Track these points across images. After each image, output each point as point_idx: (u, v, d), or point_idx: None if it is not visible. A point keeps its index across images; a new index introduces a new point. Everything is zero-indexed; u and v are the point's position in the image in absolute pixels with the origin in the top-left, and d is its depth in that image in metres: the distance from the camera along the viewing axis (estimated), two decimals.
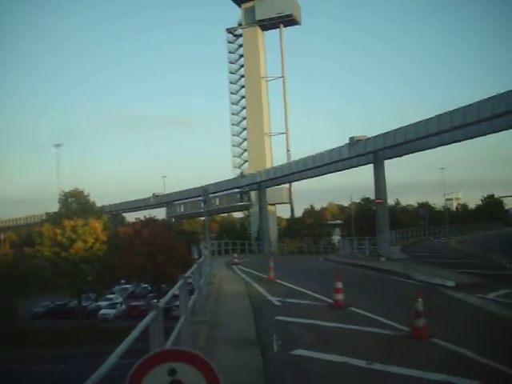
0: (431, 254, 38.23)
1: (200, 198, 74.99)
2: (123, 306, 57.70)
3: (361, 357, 9.55)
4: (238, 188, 76.72)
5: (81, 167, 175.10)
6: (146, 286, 64.42)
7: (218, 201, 78.95)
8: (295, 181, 75.26)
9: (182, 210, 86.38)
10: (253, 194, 79.26)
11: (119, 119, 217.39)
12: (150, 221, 62.72)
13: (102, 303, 57.27)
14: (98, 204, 61.36)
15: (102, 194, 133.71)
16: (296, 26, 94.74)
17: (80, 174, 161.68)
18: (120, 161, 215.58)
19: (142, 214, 70.32)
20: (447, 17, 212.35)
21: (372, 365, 9.11)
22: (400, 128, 47.92)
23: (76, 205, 57.38)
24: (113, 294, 62.27)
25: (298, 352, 10.16)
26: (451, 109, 41.50)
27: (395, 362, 9.25)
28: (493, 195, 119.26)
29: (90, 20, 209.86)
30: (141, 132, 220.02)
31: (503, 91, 36.94)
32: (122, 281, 64.17)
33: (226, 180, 79.12)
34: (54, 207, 59.51)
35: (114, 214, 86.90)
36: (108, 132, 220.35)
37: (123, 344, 4.16)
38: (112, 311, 55.17)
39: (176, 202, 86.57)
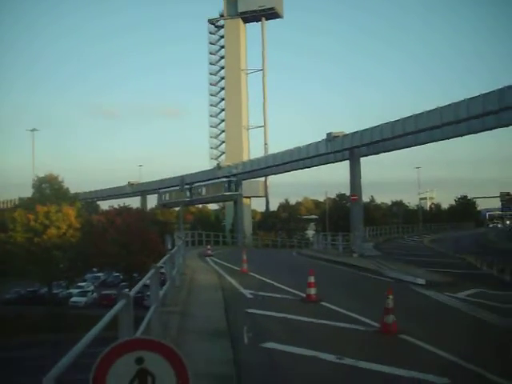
0: (403, 252, 38.55)
1: (186, 187, 73.64)
2: (94, 294, 57.31)
3: (331, 351, 9.60)
4: (223, 178, 74.70)
5: (56, 153, 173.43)
6: (117, 274, 64.07)
7: (204, 190, 77.02)
8: (272, 174, 75.44)
9: (168, 198, 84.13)
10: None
11: (96, 107, 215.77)
12: (124, 209, 62.37)
13: (73, 291, 56.78)
14: (73, 191, 60.84)
15: (77, 181, 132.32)
16: (278, 20, 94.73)
17: (55, 160, 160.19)
18: (96, 148, 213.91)
19: (116, 203, 70.08)
20: (431, 5, 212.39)
21: (342, 359, 9.15)
22: (377, 126, 48.29)
23: (50, 191, 56.79)
24: (84, 281, 61.82)
25: (269, 345, 10.17)
26: (440, 104, 41.82)
27: (364, 357, 9.30)
28: (466, 196, 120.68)
29: (69, 8, 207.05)
30: (117, 120, 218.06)
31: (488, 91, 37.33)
32: (94, 269, 63.73)
33: (203, 171, 79.05)
34: (28, 192, 58.95)
35: (89, 201, 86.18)
36: (84, 120, 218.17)
37: (91, 332, 4.11)
38: (83, 299, 54.77)
39: (161, 190, 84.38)
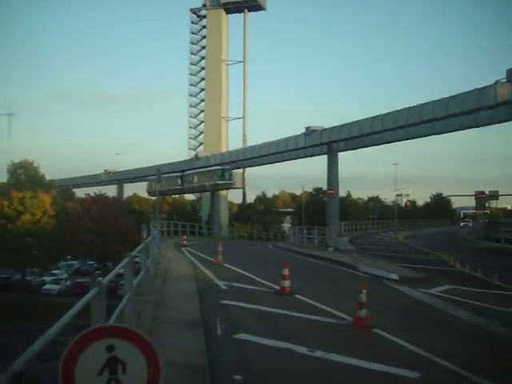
0: (378, 247, 38.84)
1: (177, 174, 73.38)
2: (68, 282, 56.92)
3: (303, 344, 9.65)
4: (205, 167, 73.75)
5: (32, 139, 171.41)
6: (92, 263, 63.67)
7: (196, 178, 74.14)
8: (249, 166, 75.49)
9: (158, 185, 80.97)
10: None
11: (74, 94, 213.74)
12: (100, 197, 61.99)
13: (47, 278, 56.34)
14: (48, 177, 60.28)
15: (53, 168, 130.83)
16: (261, 12, 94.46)
17: (31, 146, 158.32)
18: (73, 136, 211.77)
19: (92, 191, 69.49)
20: None
21: (314, 352, 9.20)
22: (356, 121, 48.45)
23: (25, 176, 56.22)
24: (58, 269, 61.34)
25: (242, 336, 10.19)
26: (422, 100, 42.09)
27: (336, 350, 9.36)
28: (441, 194, 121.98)
29: None
30: (95, 108, 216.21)
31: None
32: (69, 257, 63.26)
33: (181, 161, 78.77)
34: (3, 178, 58.27)
35: (64, 188, 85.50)
36: (62, 106, 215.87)
37: (62, 319, 4.07)
38: (56, 287, 54.35)
39: (151, 178, 79.70)
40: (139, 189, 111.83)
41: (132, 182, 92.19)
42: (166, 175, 72.87)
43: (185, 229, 51.89)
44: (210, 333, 10.18)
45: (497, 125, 42.63)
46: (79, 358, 3.54)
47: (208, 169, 71.09)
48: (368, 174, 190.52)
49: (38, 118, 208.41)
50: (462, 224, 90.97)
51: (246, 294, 15.61)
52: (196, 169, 70.88)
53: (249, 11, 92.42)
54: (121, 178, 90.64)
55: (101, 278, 8.53)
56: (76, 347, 3.55)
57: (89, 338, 3.57)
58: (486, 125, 42.64)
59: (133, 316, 9.47)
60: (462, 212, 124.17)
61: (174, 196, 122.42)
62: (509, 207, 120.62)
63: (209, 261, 25.80)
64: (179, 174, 74.00)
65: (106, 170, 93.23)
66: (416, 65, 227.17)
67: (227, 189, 72.24)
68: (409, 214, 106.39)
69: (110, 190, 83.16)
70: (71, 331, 4.13)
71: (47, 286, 54.26)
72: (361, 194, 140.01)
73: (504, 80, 34.86)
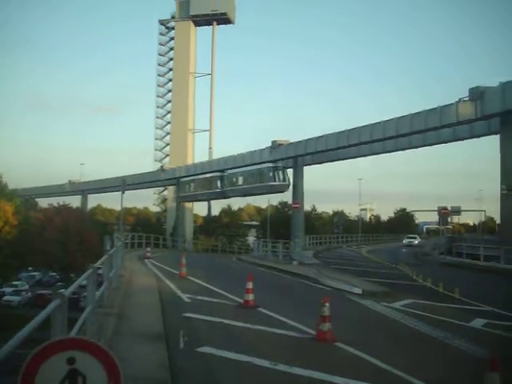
0: (342, 261, 39.06)
1: (215, 174, 63.67)
2: (29, 293, 55.95)
3: (266, 357, 9.64)
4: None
5: None
6: (54, 274, 62.75)
7: (241, 179, 61.79)
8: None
9: (192, 189, 70.04)
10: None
11: (38, 103, 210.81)
12: (64, 208, 61.29)
13: (7, 289, 55.25)
14: (11, 187, 59.43)
15: (15, 177, 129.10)
16: (229, 25, 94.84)
17: None
18: (37, 144, 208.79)
19: (56, 201, 68.64)
20: None
21: (276, 365, 9.21)
22: (322, 136, 48.89)
23: None
24: (19, 280, 60.26)
25: (204, 349, 10.15)
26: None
27: (299, 363, 9.38)
28: (405, 209, 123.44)
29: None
30: (59, 117, 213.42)
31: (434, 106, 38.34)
32: (30, 268, 62.24)
33: (145, 173, 78.35)
34: None
35: (27, 198, 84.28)
36: (25, 114, 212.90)
37: (21, 332, 4.01)
38: (17, 298, 53.30)
39: (184, 179, 70.22)
40: (103, 199, 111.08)
41: (96, 192, 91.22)
42: (201, 176, 66.09)
43: (149, 241, 51.53)
44: (172, 346, 10.12)
45: (459, 142, 43.46)
46: (39, 371, 3.50)
47: (256, 167, 58.60)
48: (333, 188, 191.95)
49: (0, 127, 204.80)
50: (405, 241, 77.92)
51: (209, 307, 15.55)
52: (239, 167, 59.90)
53: (217, 24, 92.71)
54: (85, 189, 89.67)
55: (63, 290, 8.44)
56: (36, 359, 3.51)
57: (49, 350, 3.54)
58: (449, 142, 43.45)
59: (94, 328, 9.39)
60: (424, 227, 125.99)
61: (138, 208, 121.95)
62: (471, 223, 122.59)
63: (172, 273, 25.66)
64: (218, 174, 64.04)
65: (70, 181, 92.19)
66: (392, 74, 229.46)
67: (281, 192, 59.23)
68: (373, 228, 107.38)
69: (74, 201, 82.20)
70: (31, 344, 4.09)
71: (7, 298, 53.16)
72: (326, 207, 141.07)
73: (466, 98, 35.59)
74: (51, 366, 3.51)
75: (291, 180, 54.00)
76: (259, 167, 57.25)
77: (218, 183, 64.14)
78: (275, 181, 55.77)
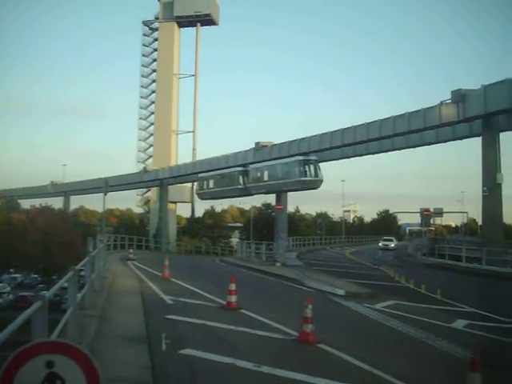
0: (325, 263, 39.12)
1: (237, 169, 57.95)
2: (11, 295, 55.40)
3: (249, 359, 9.64)
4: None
5: None
6: (36, 276, 62.23)
7: (266, 175, 54.38)
8: (199, 180, 75.21)
9: (211, 185, 62.37)
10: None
11: (19, 104, 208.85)
12: (46, 209, 60.85)
13: None
14: None
15: None
16: (213, 26, 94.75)
17: None
18: (19, 146, 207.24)
19: (38, 202, 68.12)
20: None
21: (259, 367, 9.20)
22: (304, 138, 49.00)
23: None
24: (0, 282, 59.67)
25: (187, 351, 10.12)
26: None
27: (282, 365, 9.39)
28: (388, 210, 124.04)
29: None
30: (40, 118, 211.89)
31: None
32: (12, 269, 61.67)
33: (129, 174, 78.02)
34: None
35: (9, 199, 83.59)
36: (7, 116, 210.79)
37: (2, 334, 3.98)
38: None
39: (201, 175, 63.76)
40: (86, 201, 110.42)
41: (79, 194, 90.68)
42: (220, 171, 60.01)
43: (132, 242, 51.33)
44: (154, 348, 10.09)
45: (442, 144, 43.73)
46: (17, 374, 3.47)
47: (283, 161, 51.70)
48: (316, 189, 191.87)
49: None
50: (380, 244, 71.79)
51: (192, 309, 15.52)
52: (264, 161, 53.96)
53: (201, 25, 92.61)
54: (67, 190, 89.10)
55: (45, 292, 8.38)
56: (14, 362, 3.48)
57: (28, 354, 3.51)
58: (432, 144, 43.74)
59: (76, 331, 9.33)
60: (407, 228, 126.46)
61: (121, 209, 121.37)
62: (453, 224, 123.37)
63: (155, 275, 25.58)
64: (240, 169, 57.71)
65: (52, 182, 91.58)
66: (379, 78, 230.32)
67: (313, 188, 51.72)
68: (356, 229, 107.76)
69: (57, 202, 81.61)
70: (11, 346, 4.05)
71: None
72: (309, 209, 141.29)
73: (449, 101, 35.84)
74: (30, 369, 3.47)
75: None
76: (287, 161, 50.72)
77: (240, 179, 57.72)
78: (306, 176, 49.06)
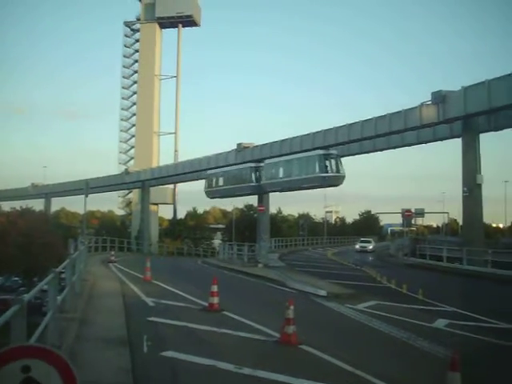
0: (308, 264, 39.20)
1: (249, 165, 53.28)
2: None
3: (230, 361, 9.63)
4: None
5: None
6: (17, 279, 61.64)
7: (281, 171, 49.53)
8: (180, 182, 75.09)
9: (221, 183, 57.64)
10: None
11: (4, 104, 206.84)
12: (27, 211, 60.28)
13: None
14: None
15: None
16: (195, 28, 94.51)
17: None
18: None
19: (19, 204, 67.42)
20: None
21: (240, 369, 9.19)
22: (286, 139, 49.07)
23: None
24: None
25: (169, 354, 10.08)
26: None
27: (264, 366, 9.37)
28: (370, 211, 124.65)
29: None
30: (22, 119, 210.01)
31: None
32: None
33: (110, 175, 77.58)
34: None
35: None
36: None
37: None
38: None
39: (210, 172, 58.79)
40: (67, 203, 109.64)
41: (60, 195, 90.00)
42: (231, 168, 55.65)
43: (113, 244, 51.07)
44: (136, 351, 10.03)
45: (423, 145, 44.00)
46: None
47: (302, 155, 47.58)
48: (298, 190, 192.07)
49: None
50: (357, 247, 67.88)
51: (173, 311, 15.48)
52: (281, 156, 49.74)
53: (183, 26, 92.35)
54: (48, 192, 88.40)
55: (25, 295, 8.30)
56: None
57: (3, 358, 3.45)
58: (413, 144, 44.01)
59: (56, 334, 9.25)
60: (389, 229, 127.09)
61: (103, 211, 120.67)
62: (434, 224, 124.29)
63: (137, 277, 25.48)
64: (253, 165, 52.91)
65: (33, 183, 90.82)
66: (371, 77, 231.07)
67: (335, 185, 47.47)
68: (338, 230, 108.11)
69: (38, 204, 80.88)
70: None
71: None
72: (291, 210, 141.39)
73: (429, 102, 36.09)
74: (5, 374, 3.41)
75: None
76: (306, 155, 46.56)
77: (253, 176, 53.14)
78: (327, 172, 44.73)
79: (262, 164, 51.46)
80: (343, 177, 44.83)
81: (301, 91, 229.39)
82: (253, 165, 52.15)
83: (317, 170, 44.50)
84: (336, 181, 45.39)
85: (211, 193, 58.62)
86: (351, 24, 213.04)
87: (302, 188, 49.87)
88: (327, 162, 44.41)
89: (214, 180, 57.58)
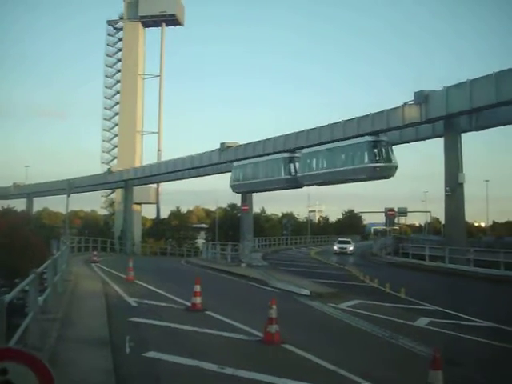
0: (291, 263, 39.27)
1: (281, 156, 47.94)
2: None
3: (213, 361, 9.60)
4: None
5: None
6: None
7: (322, 162, 44.47)
8: (163, 181, 74.94)
9: (250, 176, 52.17)
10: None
11: None
12: (8, 211, 59.79)
13: None
14: None
15: None
16: (178, 27, 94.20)
17: None
18: None
19: (0, 204, 66.85)
20: None
21: (223, 369, 9.17)
22: (269, 138, 49.19)
23: None
24: None
25: (151, 354, 10.04)
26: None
27: (246, 366, 9.37)
28: (353, 210, 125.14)
29: None
30: (2, 119, 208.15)
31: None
32: None
33: (93, 175, 77.15)
34: None
35: None
36: None
37: None
38: None
39: (238, 163, 53.40)
40: (50, 203, 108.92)
41: (42, 195, 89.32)
42: (261, 159, 50.14)
43: (96, 244, 50.81)
44: (118, 351, 9.98)
45: (406, 144, 44.24)
46: None
47: (346, 142, 41.82)
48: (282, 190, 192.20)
49: None
50: (335, 248, 60.68)
51: (156, 311, 15.42)
52: (322, 144, 43.79)
53: (166, 25, 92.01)
54: (30, 192, 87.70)
55: (5, 296, 8.23)
56: None
57: None
58: (396, 144, 44.22)
59: (37, 335, 9.18)
60: (372, 228, 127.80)
61: (86, 211, 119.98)
62: (417, 223, 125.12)
63: (120, 277, 25.38)
64: (286, 155, 47.29)
65: (14, 183, 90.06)
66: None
67: (386, 177, 41.50)
68: (322, 230, 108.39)
69: (19, 204, 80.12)
70: None
71: None
72: (275, 210, 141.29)
73: (412, 102, 36.33)
74: None
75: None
76: (351, 142, 40.97)
77: (288, 167, 47.99)
78: (377, 161, 39.46)
79: (297, 154, 46.65)
80: (396, 167, 40.31)
81: (287, 90, 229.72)
82: (286, 155, 47.29)
83: (366, 159, 39.90)
84: (388, 171, 40.42)
85: (238, 187, 53.79)
86: (340, 19, 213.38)
87: (347, 181, 44.70)
88: (376, 151, 39.77)
89: (241, 173, 52.69)
